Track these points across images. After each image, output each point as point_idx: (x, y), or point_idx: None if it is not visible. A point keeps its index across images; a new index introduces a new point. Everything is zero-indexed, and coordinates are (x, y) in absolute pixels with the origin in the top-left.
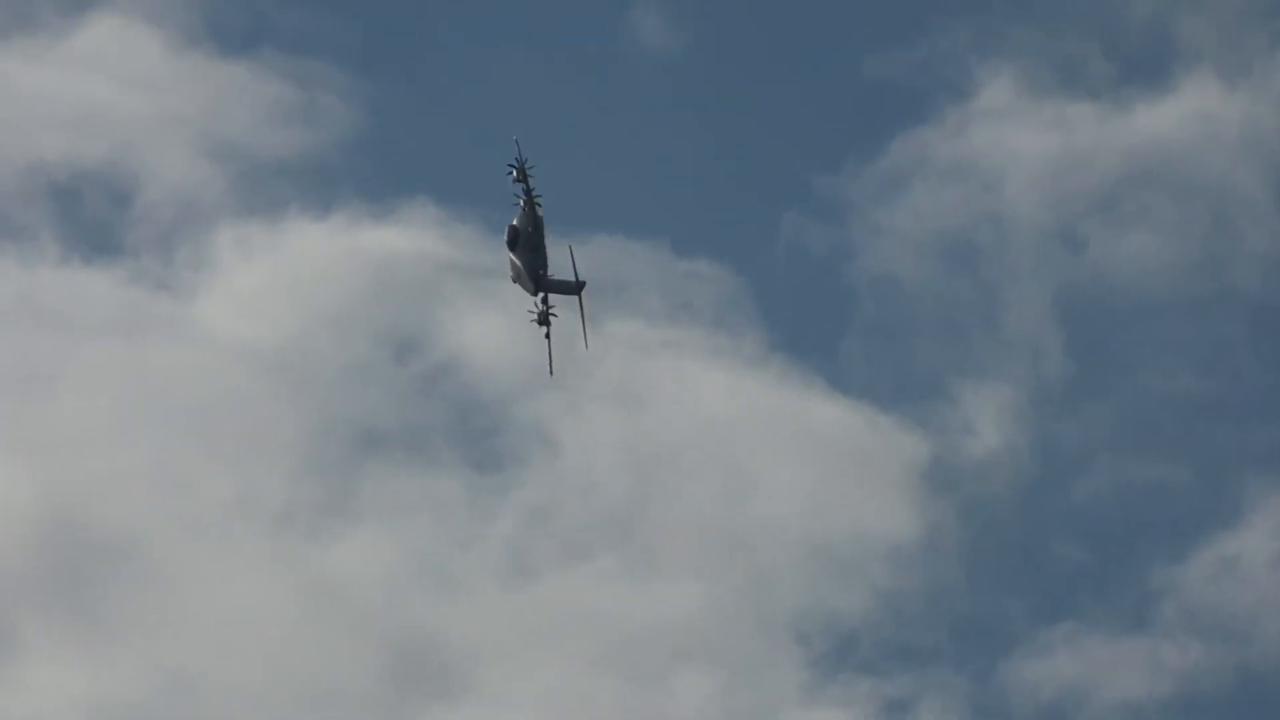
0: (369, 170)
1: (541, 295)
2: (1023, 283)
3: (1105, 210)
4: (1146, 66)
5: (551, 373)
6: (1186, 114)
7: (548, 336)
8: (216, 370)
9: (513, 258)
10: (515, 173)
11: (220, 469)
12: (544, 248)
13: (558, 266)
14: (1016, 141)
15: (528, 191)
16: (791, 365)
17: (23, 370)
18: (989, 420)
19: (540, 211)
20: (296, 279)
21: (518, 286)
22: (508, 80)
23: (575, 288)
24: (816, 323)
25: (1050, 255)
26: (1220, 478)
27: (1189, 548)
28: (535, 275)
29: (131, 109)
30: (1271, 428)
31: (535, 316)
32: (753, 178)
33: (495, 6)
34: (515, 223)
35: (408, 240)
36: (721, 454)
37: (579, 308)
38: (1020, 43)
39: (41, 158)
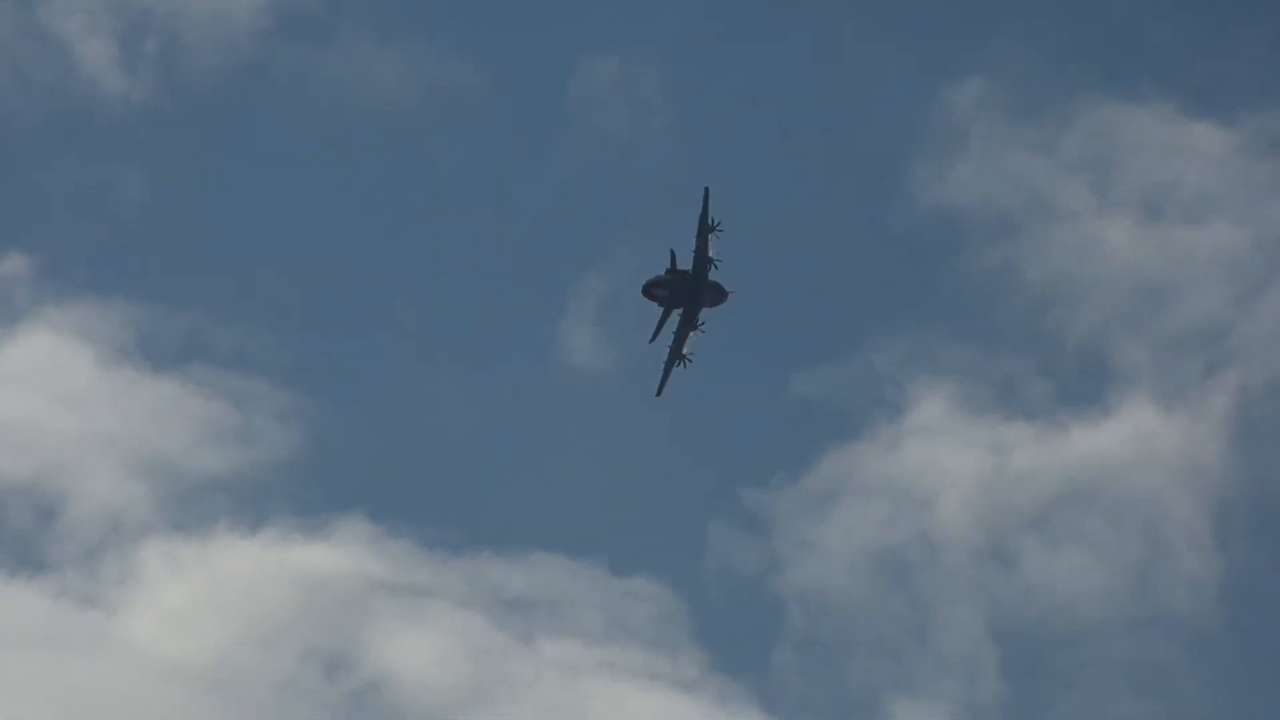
0: (302, 487)
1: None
2: (955, 601)
3: (1038, 530)
4: (1082, 388)
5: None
6: (1122, 436)
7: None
8: (143, 687)
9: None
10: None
11: None
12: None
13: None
14: (949, 459)
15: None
16: (727, 686)
17: None
18: None
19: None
20: (225, 595)
21: None
22: (443, 397)
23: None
24: (750, 642)
25: (983, 574)
26: None
27: None
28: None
29: (60, 425)
30: None
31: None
32: (685, 495)
33: (429, 321)
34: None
35: (339, 557)
36: None
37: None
38: (955, 361)
39: None
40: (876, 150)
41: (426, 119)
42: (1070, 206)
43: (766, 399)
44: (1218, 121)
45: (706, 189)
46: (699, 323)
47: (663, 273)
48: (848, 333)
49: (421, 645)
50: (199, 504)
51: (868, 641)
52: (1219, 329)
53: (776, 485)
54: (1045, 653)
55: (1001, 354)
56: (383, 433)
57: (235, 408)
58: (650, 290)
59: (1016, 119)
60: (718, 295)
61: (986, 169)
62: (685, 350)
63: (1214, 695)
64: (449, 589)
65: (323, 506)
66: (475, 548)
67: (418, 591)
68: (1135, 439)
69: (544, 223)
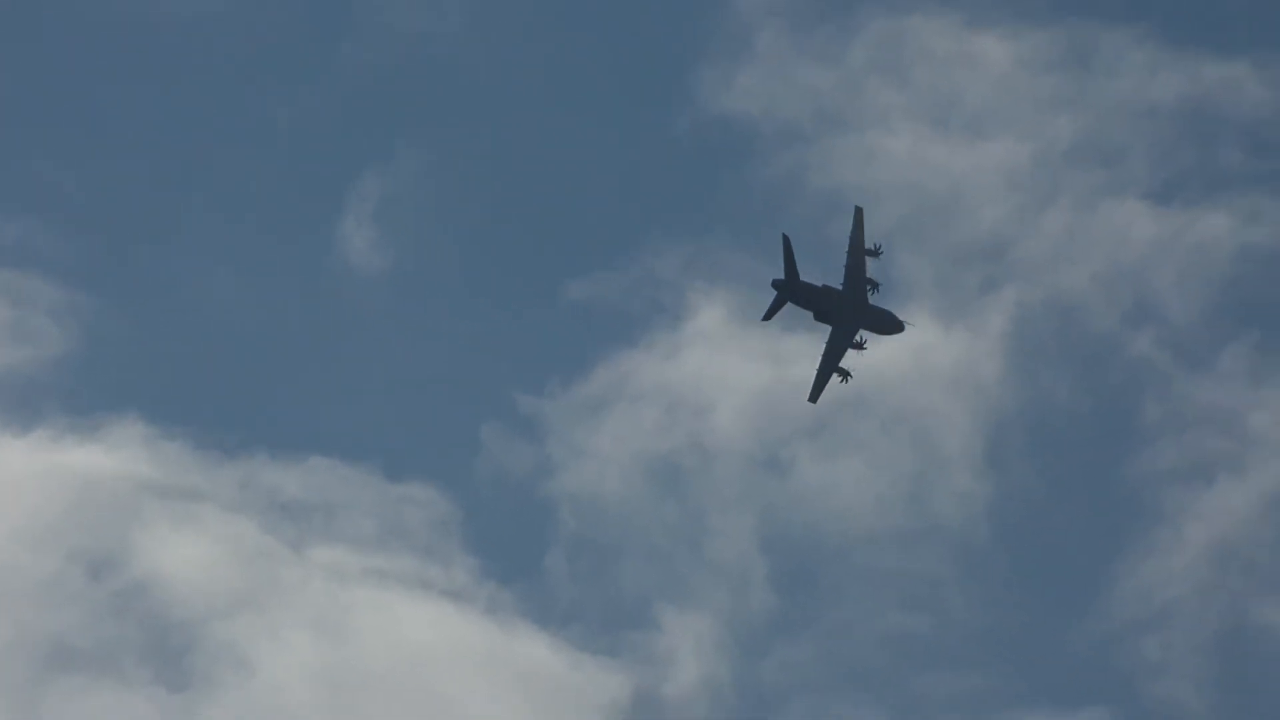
0: (76, 387)
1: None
2: (728, 510)
3: (813, 440)
4: None
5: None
6: (899, 348)
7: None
8: None
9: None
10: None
11: None
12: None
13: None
14: (726, 368)
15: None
16: (498, 595)
17: None
18: (690, 653)
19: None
20: None
21: None
22: (219, 298)
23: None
24: (523, 549)
25: (756, 483)
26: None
27: None
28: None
29: None
30: (974, 672)
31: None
32: (460, 400)
33: (207, 221)
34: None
35: (111, 458)
36: (421, 686)
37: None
38: (736, 269)
39: None
40: (662, 55)
41: (213, 16)
42: (855, 117)
43: (543, 304)
44: (1002, 34)
45: (858, 209)
46: (860, 341)
47: (818, 285)
48: (627, 238)
49: (190, 548)
50: None
51: (639, 549)
52: (999, 245)
53: (551, 391)
54: (816, 563)
55: (782, 264)
56: (158, 333)
57: (10, 305)
58: (785, 291)
59: (803, 27)
60: (890, 325)
61: (772, 77)
62: (844, 365)
63: (983, 609)
64: (221, 492)
65: (96, 407)
66: (249, 451)
67: (189, 494)
68: (913, 352)
69: (326, 121)
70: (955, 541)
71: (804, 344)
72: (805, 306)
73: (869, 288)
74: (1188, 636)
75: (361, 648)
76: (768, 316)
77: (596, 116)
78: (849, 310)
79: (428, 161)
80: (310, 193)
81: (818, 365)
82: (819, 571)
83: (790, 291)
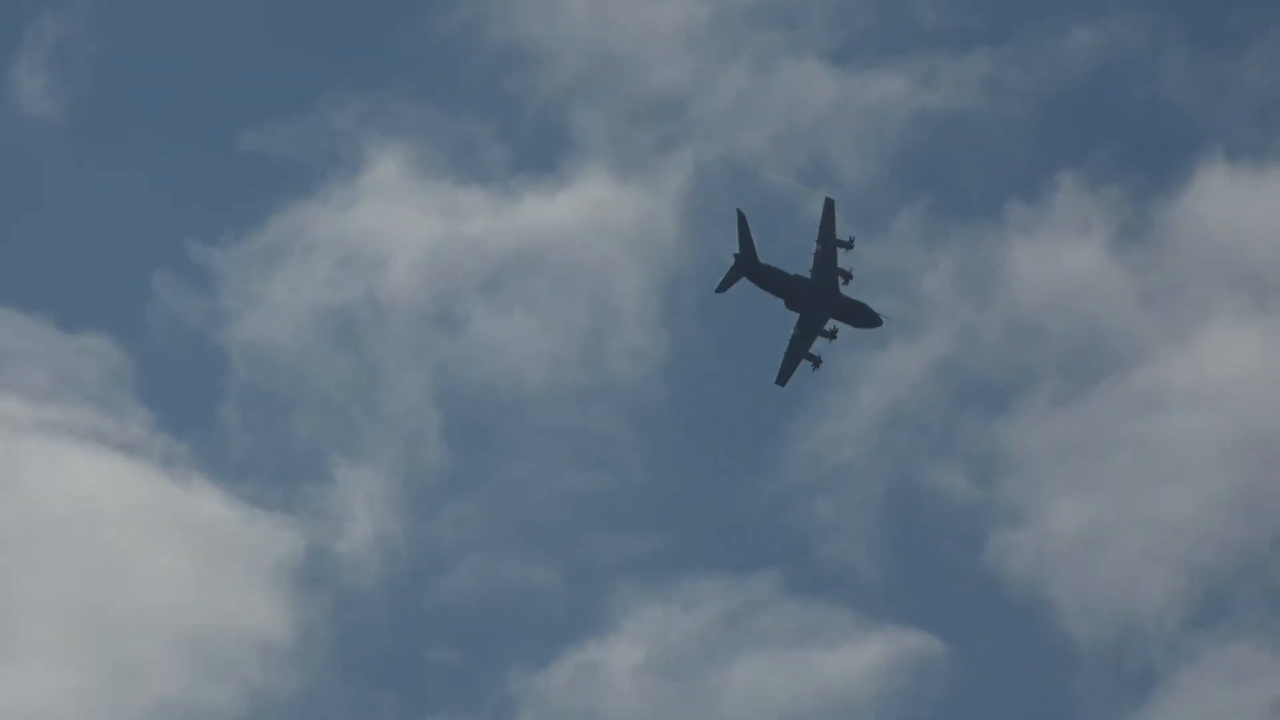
0: None
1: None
2: (402, 364)
3: (488, 295)
4: (539, 156)
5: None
6: (576, 205)
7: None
8: None
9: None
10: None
11: None
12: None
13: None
14: (401, 221)
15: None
16: (173, 448)
17: None
18: (363, 510)
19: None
20: None
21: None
22: None
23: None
24: (196, 400)
25: (430, 338)
26: (592, 582)
27: (555, 653)
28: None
29: None
30: (645, 534)
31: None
32: (132, 248)
33: None
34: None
35: None
36: (92, 540)
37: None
38: (413, 122)
39: None
40: None
41: None
42: None
43: (218, 153)
44: None
45: (829, 200)
46: (832, 330)
47: (789, 273)
48: (304, 88)
49: None
50: None
51: (313, 402)
52: (677, 104)
53: (225, 241)
54: (490, 420)
55: (460, 117)
56: None
57: None
58: (743, 266)
59: None
60: (866, 319)
61: None
62: (815, 353)
63: (657, 469)
64: None
65: None
66: None
67: None
68: (589, 208)
69: None
70: (629, 400)
71: (478, 198)
72: (774, 293)
73: (841, 279)
74: (859, 498)
75: (32, 500)
76: (722, 288)
77: None
78: (818, 300)
79: (104, 6)
80: None
81: (784, 350)
82: (493, 428)
83: (749, 270)
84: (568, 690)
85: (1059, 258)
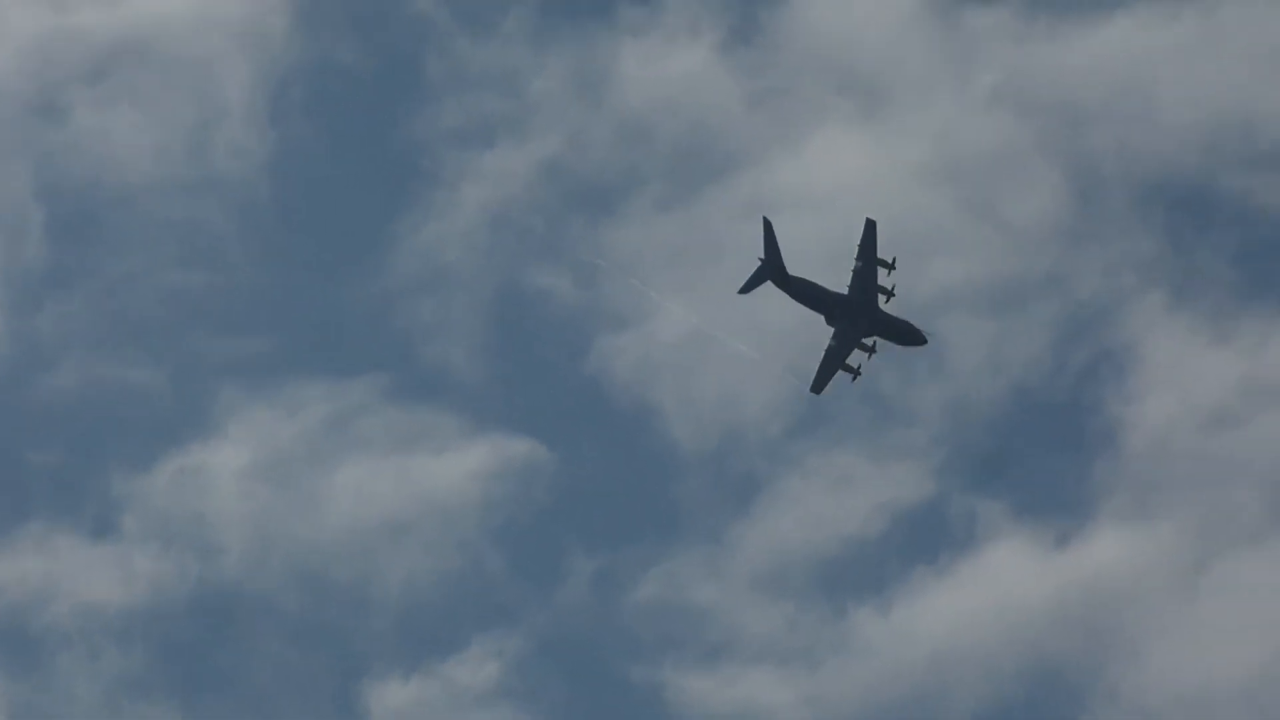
0: None
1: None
2: (3, 156)
3: (92, 86)
4: None
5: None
6: None
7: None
8: None
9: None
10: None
11: None
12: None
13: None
14: (4, 8)
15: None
16: None
17: None
18: None
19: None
20: None
21: None
22: None
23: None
24: None
25: (32, 130)
26: (196, 383)
27: (158, 455)
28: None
29: None
30: (251, 336)
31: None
32: None
33: None
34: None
35: None
36: None
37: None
38: None
39: None
40: None
41: None
42: None
43: None
44: None
45: (870, 221)
46: (871, 345)
47: (829, 289)
48: None
49: None
50: None
51: None
52: None
53: None
54: (94, 214)
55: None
56: None
57: None
58: (769, 271)
59: None
60: (911, 336)
61: None
62: (855, 364)
63: (262, 268)
64: None
65: None
66: None
67: None
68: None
69: None
70: (235, 196)
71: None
72: (810, 307)
73: (883, 296)
74: (463, 299)
75: None
76: (745, 289)
77: None
78: (858, 316)
79: None
80: None
81: (820, 360)
82: (97, 223)
83: (777, 279)
84: (171, 493)
85: (669, 60)
